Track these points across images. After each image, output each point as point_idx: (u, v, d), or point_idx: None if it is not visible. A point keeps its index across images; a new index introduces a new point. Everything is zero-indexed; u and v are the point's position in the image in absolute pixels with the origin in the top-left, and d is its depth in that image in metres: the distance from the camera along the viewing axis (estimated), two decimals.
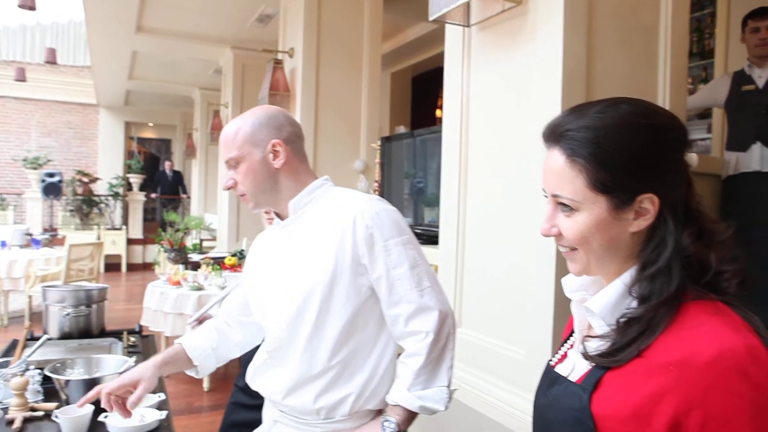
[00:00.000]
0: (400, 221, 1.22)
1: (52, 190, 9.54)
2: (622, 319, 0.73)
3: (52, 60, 8.15)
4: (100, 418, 1.45)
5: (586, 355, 0.75)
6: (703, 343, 0.65)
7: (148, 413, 1.50)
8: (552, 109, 1.73)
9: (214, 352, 1.46)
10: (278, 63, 4.19)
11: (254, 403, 1.79)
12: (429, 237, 2.79)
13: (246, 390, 1.83)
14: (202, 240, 7.42)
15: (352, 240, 1.17)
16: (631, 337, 0.70)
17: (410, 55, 6.54)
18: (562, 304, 1.71)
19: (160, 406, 1.59)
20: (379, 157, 3.86)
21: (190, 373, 1.46)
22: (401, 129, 4.40)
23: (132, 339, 2.25)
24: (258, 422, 1.78)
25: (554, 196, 0.77)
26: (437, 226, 2.39)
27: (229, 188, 1.28)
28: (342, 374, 1.21)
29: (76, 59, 11.28)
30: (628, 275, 0.75)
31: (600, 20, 1.80)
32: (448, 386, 1.20)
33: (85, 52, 9.79)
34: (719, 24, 3.65)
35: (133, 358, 1.84)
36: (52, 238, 8.43)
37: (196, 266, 4.75)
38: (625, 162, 0.71)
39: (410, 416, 1.18)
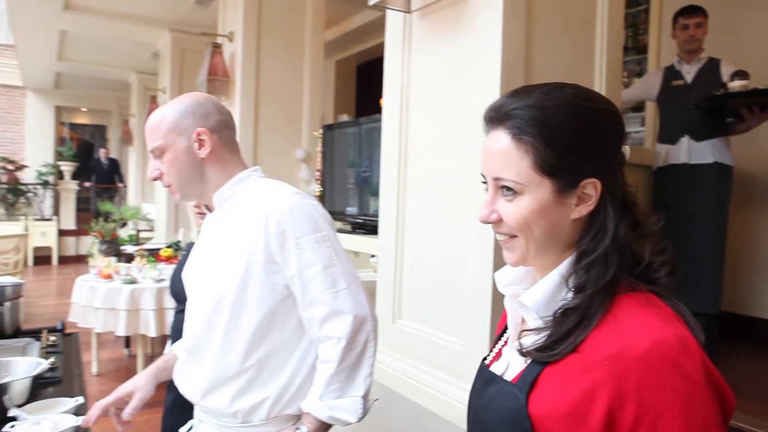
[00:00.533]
0: (318, 217, 1.16)
1: None
2: (559, 311, 0.71)
3: None
4: (6, 428, 1.33)
5: (522, 351, 0.73)
6: (636, 336, 0.64)
7: (62, 420, 1.39)
8: (491, 96, 1.71)
9: None
10: (217, 47, 4.02)
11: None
12: (374, 227, 2.75)
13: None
14: (139, 231, 7.11)
15: (264, 237, 1.12)
16: (567, 327, 0.69)
17: (355, 42, 6.45)
18: (499, 295, 1.70)
19: (78, 411, 1.48)
20: (321, 146, 3.78)
21: None
22: (344, 117, 4.33)
23: (52, 338, 2.10)
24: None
25: (496, 179, 0.74)
26: None
27: (154, 179, 1.22)
28: (259, 377, 1.15)
29: None
30: (564, 266, 0.73)
31: (540, 10, 1.80)
32: (364, 396, 1.15)
33: (8, 30, 9.13)
34: (652, 20, 3.77)
35: (51, 359, 1.72)
36: None
37: (130, 258, 4.53)
38: (571, 143, 0.70)
39: (324, 425, 1.14)
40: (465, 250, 1.78)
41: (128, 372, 4.15)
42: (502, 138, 0.72)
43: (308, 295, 1.12)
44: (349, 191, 3.65)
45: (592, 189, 0.71)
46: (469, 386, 1.74)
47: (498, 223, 0.75)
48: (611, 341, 0.66)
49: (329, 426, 1.15)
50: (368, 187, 3.80)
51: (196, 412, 1.31)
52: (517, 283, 0.83)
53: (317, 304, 1.12)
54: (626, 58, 3.80)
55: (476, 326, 1.72)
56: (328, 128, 3.55)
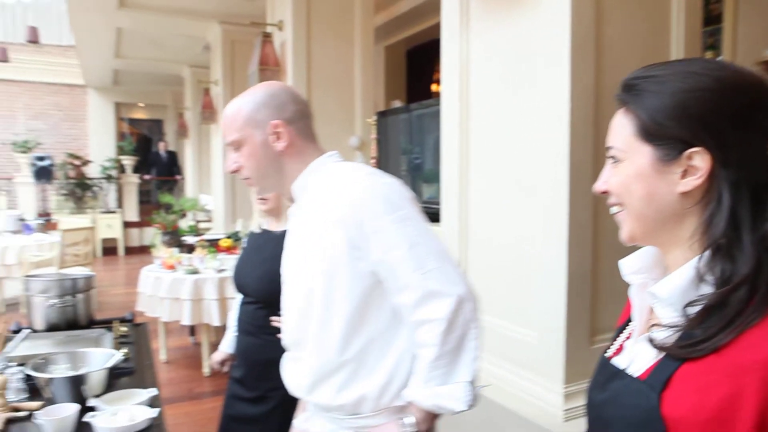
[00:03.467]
0: (394, 196, 1.09)
1: (43, 174, 9.40)
2: (697, 307, 0.65)
3: (34, 39, 7.90)
4: (86, 418, 1.36)
5: (657, 345, 0.67)
6: None
7: (138, 411, 1.42)
8: (559, 75, 1.62)
9: None
10: (267, 37, 4.03)
11: (251, 395, 1.73)
12: (429, 214, 2.68)
13: (242, 382, 1.76)
14: (198, 221, 7.32)
15: (344, 223, 1.07)
16: (712, 326, 0.62)
17: (404, 27, 6.35)
18: (575, 284, 1.62)
19: (152, 402, 1.51)
20: (374, 133, 3.74)
21: None
22: (397, 103, 4.27)
23: (123, 329, 2.16)
24: (256, 416, 1.71)
25: (608, 149, 0.73)
26: (437, 203, 2.29)
27: (233, 172, 1.20)
28: (360, 368, 1.11)
29: (61, 38, 10.96)
30: (696, 258, 0.67)
31: None
32: (472, 382, 1.07)
33: (70, 31, 9.53)
34: None
35: (123, 350, 1.76)
36: (46, 223, 8.32)
37: (191, 249, 4.66)
38: (675, 108, 0.66)
39: (431, 415, 1.08)
40: (535, 236, 1.71)
41: (194, 360, 4.29)
42: (619, 111, 0.73)
43: (397, 279, 1.05)
44: (403, 178, 3.61)
45: (700, 160, 0.65)
46: (544, 381, 1.67)
47: (607, 193, 0.74)
48: (764, 344, 0.59)
49: (436, 415, 1.09)
50: (420, 173, 3.74)
51: (307, 406, 1.27)
52: (645, 271, 0.77)
53: (408, 288, 1.04)
54: (701, 29, 3.55)
55: (551, 318, 1.65)
56: (382, 115, 3.50)
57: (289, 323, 1.21)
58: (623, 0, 1.72)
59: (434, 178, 3.44)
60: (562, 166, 1.61)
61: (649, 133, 0.68)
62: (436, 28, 2.27)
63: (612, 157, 0.73)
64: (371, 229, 1.05)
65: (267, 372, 1.71)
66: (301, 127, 1.18)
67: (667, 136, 0.66)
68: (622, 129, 0.71)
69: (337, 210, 1.08)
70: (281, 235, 1.72)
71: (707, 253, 0.66)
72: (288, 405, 1.68)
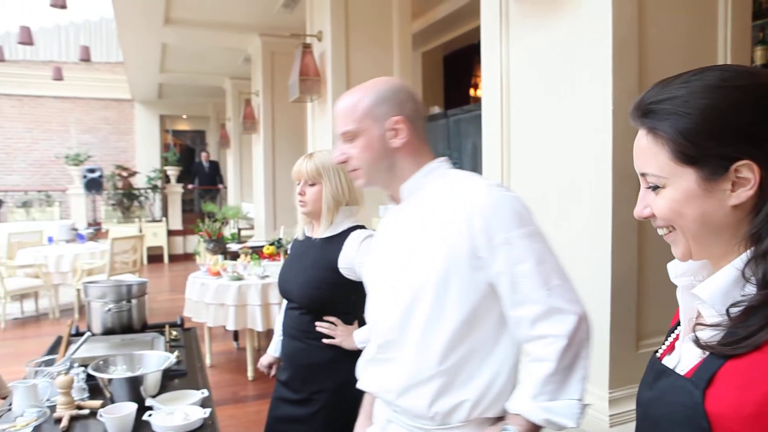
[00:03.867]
0: (523, 210, 1.08)
1: (93, 185, 9.80)
2: (740, 307, 0.65)
3: (86, 58, 8.29)
4: (144, 417, 1.43)
5: (700, 344, 0.68)
6: None
7: (192, 411, 1.47)
8: (601, 79, 1.61)
9: None
10: (307, 47, 4.12)
11: (297, 397, 1.76)
12: None
13: (288, 384, 1.80)
14: (240, 229, 7.49)
15: (468, 231, 1.04)
16: (754, 325, 0.63)
17: (441, 33, 6.36)
18: (619, 288, 1.60)
19: (204, 403, 1.57)
20: None
21: None
22: (435, 109, 4.28)
23: (174, 333, 2.25)
24: (301, 417, 1.75)
25: (642, 175, 0.73)
26: None
27: (341, 162, 1.19)
28: (457, 377, 1.09)
29: (110, 55, 11.47)
30: (739, 259, 0.68)
31: None
32: (581, 399, 1.05)
33: (118, 48, 9.93)
34: None
35: (176, 353, 1.83)
36: (96, 232, 8.68)
37: (235, 256, 4.78)
38: (711, 127, 0.66)
39: (533, 429, 1.05)
40: (579, 242, 1.69)
41: (238, 364, 4.40)
42: (642, 136, 0.73)
43: (519, 293, 1.04)
44: None
45: (748, 171, 0.65)
46: (589, 386, 1.65)
47: (653, 217, 0.74)
48: None
49: (539, 428, 1.07)
50: None
51: (385, 412, 1.22)
52: (691, 274, 0.77)
53: (530, 302, 1.03)
54: (751, 24, 3.43)
55: (595, 322, 1.62)
56: None
57: (385, 323, 1.16)
58: None
59: None
60: (605, 170, 1.59)
61: (690, 156, 0.67)
62: (473, 33, 2.28)
63: (651, 184, 0.72)
64: (501, 241, 1.04)
65: (311, 375, 1.75)
66: (418, 126, 1.17)
67: (709, 155, 0.67)
68: (655, 155, 0.70)
69: (464, 216, 1.06)
70: (322, 242, 1.77)
71: (749, 253, 0.67)
72: (332, 408, 1.72)
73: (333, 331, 1.72)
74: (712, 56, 1.76)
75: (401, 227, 1.17)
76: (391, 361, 1.15)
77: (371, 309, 1.25)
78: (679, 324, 0.81)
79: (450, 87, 6.97)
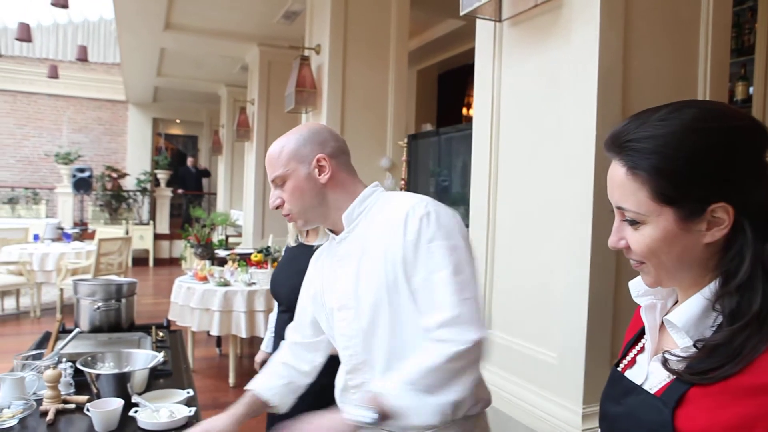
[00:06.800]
0: (454, 226, 1.14)
1: (82, 185, 9.75)
2: (710, 343, 0.68)
3: (83, 57, 8.30)
4: (131, 413, 1.46)
5: (671, 369, 0.71)
6: None
7: (177, 409, 1.50)
8: (587, 106, 1.69)
9: (287, 388, 1.39)
10: (305, 60, 4.19)
11: None
12: None
13: None
14: (227, 236, 7.49)
15: (402, 237, 1.11)
16: (719, 362, 0.66)
17: (437, 52, 6.49)
18: (596, 307, 1.67)
19: (189, 402, 1.60)
20: (405, 155, 3.83)
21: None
22: (428, 127, 4.36)
23: (160, 333, 2.28)
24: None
25: (619, 208, 0.74)
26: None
27: (276, 207, 1.25)
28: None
29: (107, 56, 11.48)
30: (707, 290, 0.71)
31: (638, 13, 1.74)
32: (445, 411, 1.06)
33: (115, 50, 9.95)
34: (761, 18, 3.52)
35: (162, 353, 1.86)
36: (83, 233, 8.63)
37: (222, 262, 4.79)
38: (691, 170, 0.67)
39: (386, 413, 1.04)
40: (559, 261, 1.75)
41: (220, 370, 4.39)
42: (618, 169, 0.73)
43: (432, 299, 1.09)
44: None
45: (723, 213, 0.68)
46: (563, 401, 1.71)
47: (627, 249, 0.75)
48: None
49: (386, 418, 1.05)
50: (447, 195, 3.81)
51: None
52: (652, 293, 0.81)
53: (442, 308, 1.07)
54: (729, 61, 3.56)
55: (571, 339, 1.69)
56: (413, 137, 3.59)
57: (348, 348, 1.21)
58: (651, 32, 1.78)
59: (461, 200, 3.51)
60: (586, 195, 1.66)
61: (670, 197, 0.69)
62: (468, 53, 2.36)
63: (628, 218, 0.73)
64: (425, 249, 1.10)
65: None
66: (341, 161, 1.25)
67: (689, 197, 0.68)
68: (633, 192, 0.71)
69: (401, 228, 1.12)
70: (315, 248, 1.81)
71: (717, 286, 0.70)
72: (316, 410, 1.75)
73: None
74: (692, 89, 1.85)
75: (349, 253, 1.22)
76: (365, 384, 1.19)
77: (333, 340, 1.28)
78: (636, 337, 0.84)
79: (443, 105, 7.09)
